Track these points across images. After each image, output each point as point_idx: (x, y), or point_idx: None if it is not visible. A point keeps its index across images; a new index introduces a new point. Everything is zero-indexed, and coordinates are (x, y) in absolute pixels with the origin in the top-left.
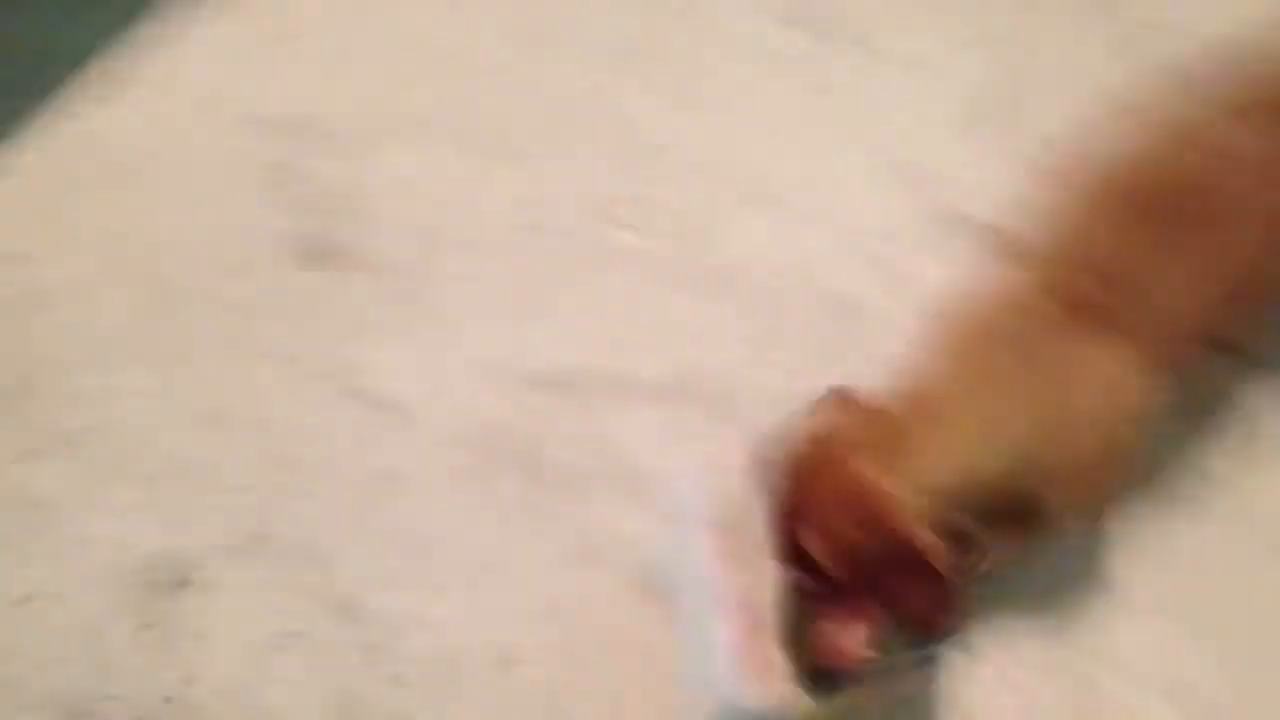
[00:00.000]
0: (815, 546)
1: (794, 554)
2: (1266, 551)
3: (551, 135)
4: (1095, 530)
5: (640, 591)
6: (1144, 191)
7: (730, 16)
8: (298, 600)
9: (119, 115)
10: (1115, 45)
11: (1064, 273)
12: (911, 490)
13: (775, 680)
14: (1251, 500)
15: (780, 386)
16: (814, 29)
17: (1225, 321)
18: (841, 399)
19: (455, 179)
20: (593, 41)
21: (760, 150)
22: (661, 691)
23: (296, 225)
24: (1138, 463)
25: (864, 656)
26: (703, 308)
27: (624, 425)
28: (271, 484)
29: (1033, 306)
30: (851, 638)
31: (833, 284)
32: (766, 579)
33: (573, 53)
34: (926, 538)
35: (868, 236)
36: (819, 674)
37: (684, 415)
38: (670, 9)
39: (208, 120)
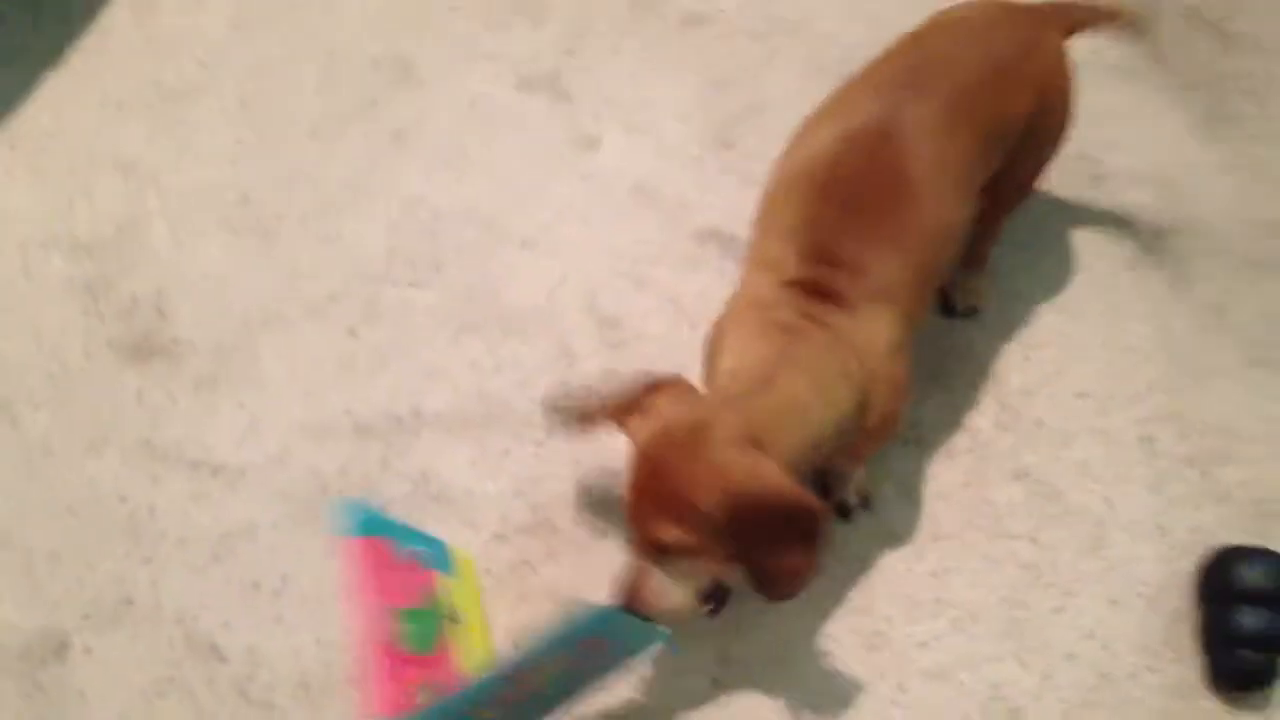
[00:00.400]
0: (687, 525)
1: (647, 535)
2: None
3: (338, 213)
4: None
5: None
6: (838, 187)
7: (473, 85)
8: (169, 650)
9: None
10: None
11: (797, 266)
12: (776, 462)
13: None
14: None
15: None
16: (551, 89)
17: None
18: (673, 387)
19: (253, 265)
20: (366, 126)
21: (532, 201)
22: None
23: (114, 330)
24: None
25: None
26: (496, 346)
27: (442, 457)
28: (129, 555)
29: (784, 300)
30: (670, 595)
31: (610, 309)
32: None
33: (348, 136)
34: (814, 501)
35: (635, 262)
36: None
37: (494, 441)
38: (422, 86)
39: (22, 247)
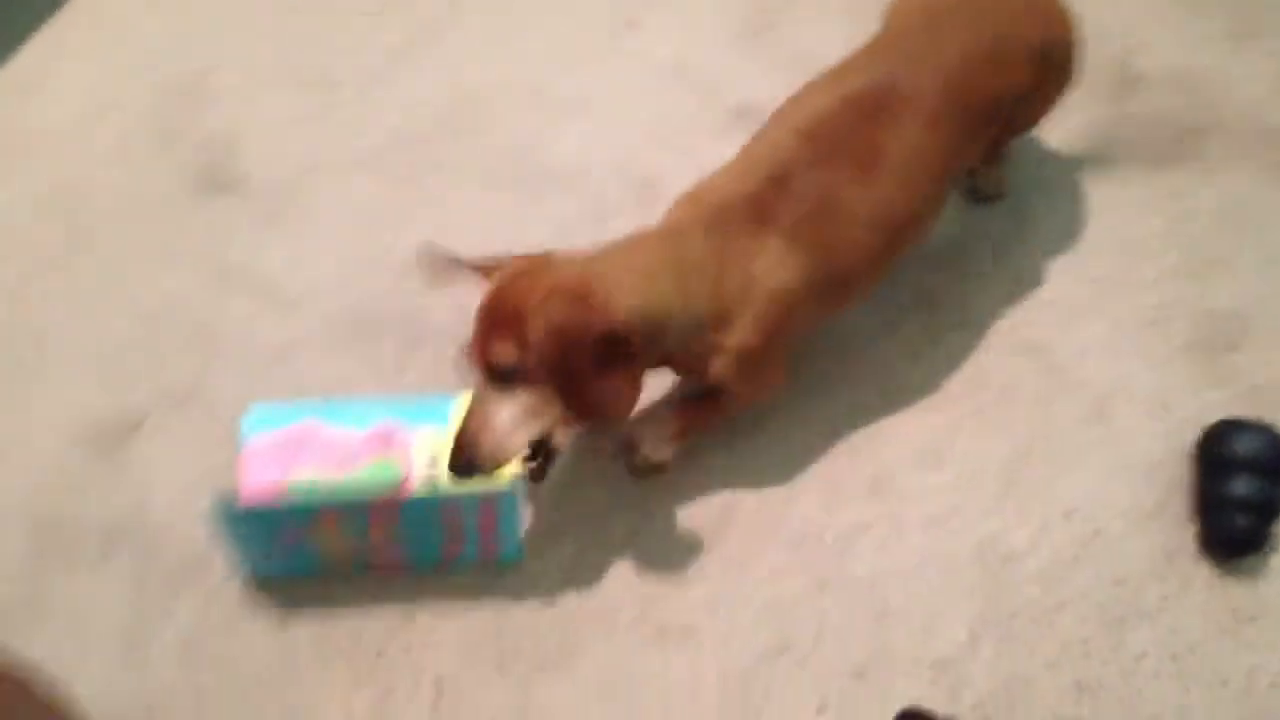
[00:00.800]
0: (516, 345)
1: (483, 358)
2: None
3: (393, 76)
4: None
5: None
6: (821, 136)
7: None
8: (227, 438)
9: (30, 108)
10: None
11: (760, 185)
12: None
13: None
14: None
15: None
16: None
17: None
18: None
19: (314, 118)
20: None
21: (576, 72)
22: None
23: (190, 163)
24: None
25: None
26: (536, 201)
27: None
28: (196, 358)
29: (734, 208)
30: (501, 430)
31: (643, 171)
32: None
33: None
34: (624, 326)
35: (669, 132)
36: (460, 465)
37: None
38: None
39: (111, 84)
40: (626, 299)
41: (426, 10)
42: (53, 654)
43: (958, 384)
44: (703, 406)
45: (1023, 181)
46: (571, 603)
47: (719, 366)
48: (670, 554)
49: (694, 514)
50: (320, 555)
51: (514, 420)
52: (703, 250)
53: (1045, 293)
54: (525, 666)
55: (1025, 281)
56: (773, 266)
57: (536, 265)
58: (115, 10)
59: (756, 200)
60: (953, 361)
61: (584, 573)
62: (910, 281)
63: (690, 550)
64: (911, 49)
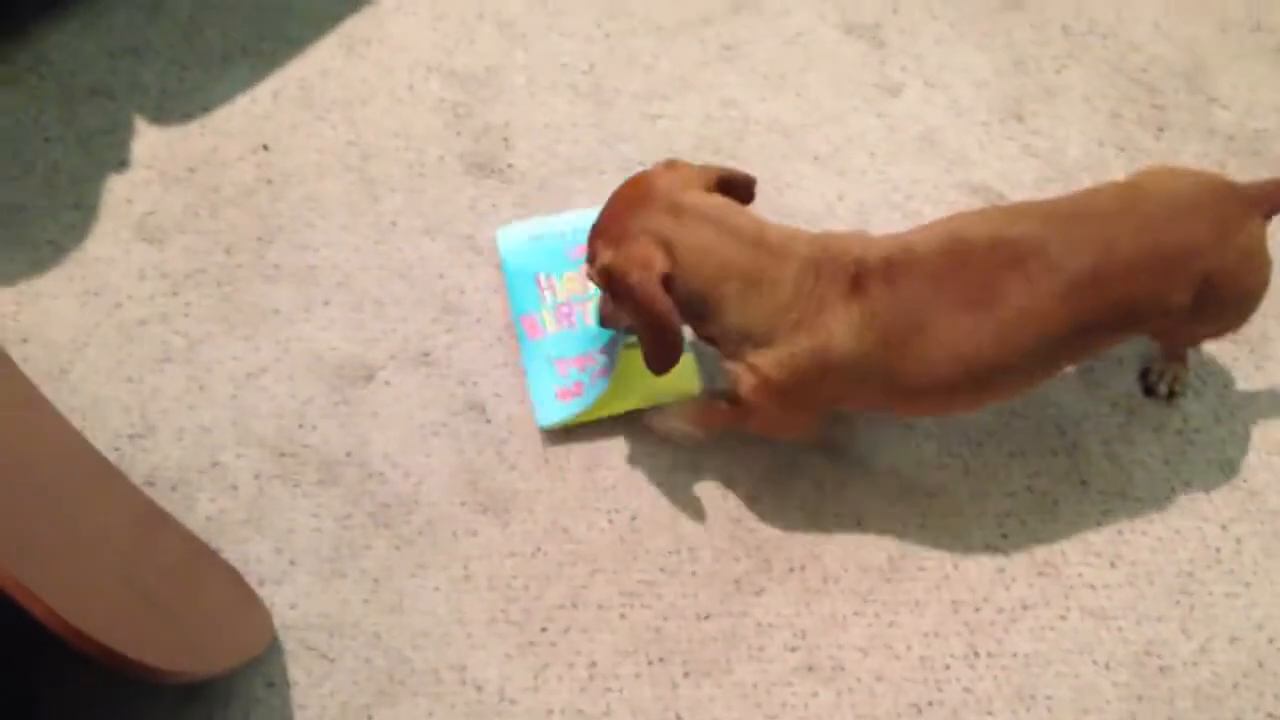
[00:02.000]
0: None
1: (590, 253)
2: None
3: (662, 98)
4: None
5: None
6: (954, 257)
7: (802, 21)
8: (449, 401)
9: (350, 65)
10: (1109, 71)
11: (876, 263)
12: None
13: None
14: None
15: None
16: (869, 38)
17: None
18: (670, 161)
19: (585, 123)
20: (703, 34)
21: (831, 125)
22: None
23: (465, 146)
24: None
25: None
26: None
27: None
28: (436, 320)
29: (842, 265)
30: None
31: (876, 228)
32: None
33: (685, 39)
34: (671, 320)
35: (908, 197)
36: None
37: None
38: (758, 14)
39: (411, 68)
40: (686, 277)
41: (710, 44)
42: (259, 562)
43: (1145, 487)
44: (722, 408)
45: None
46: (730, 620)
47: (744, 379)
48: (835, 591)
49: (866, 558)
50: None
51: (605, 301)
52: (790, 279)
53: (1252, 411)
54: (676, 669)
55: (1232, 400)
56: (836, 326)
57: (650, 178)
58: None
59: (864, 272)
60: (1144, 463)
61: (746, 596)
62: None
63: (854, 592)
64: (1088, 221)
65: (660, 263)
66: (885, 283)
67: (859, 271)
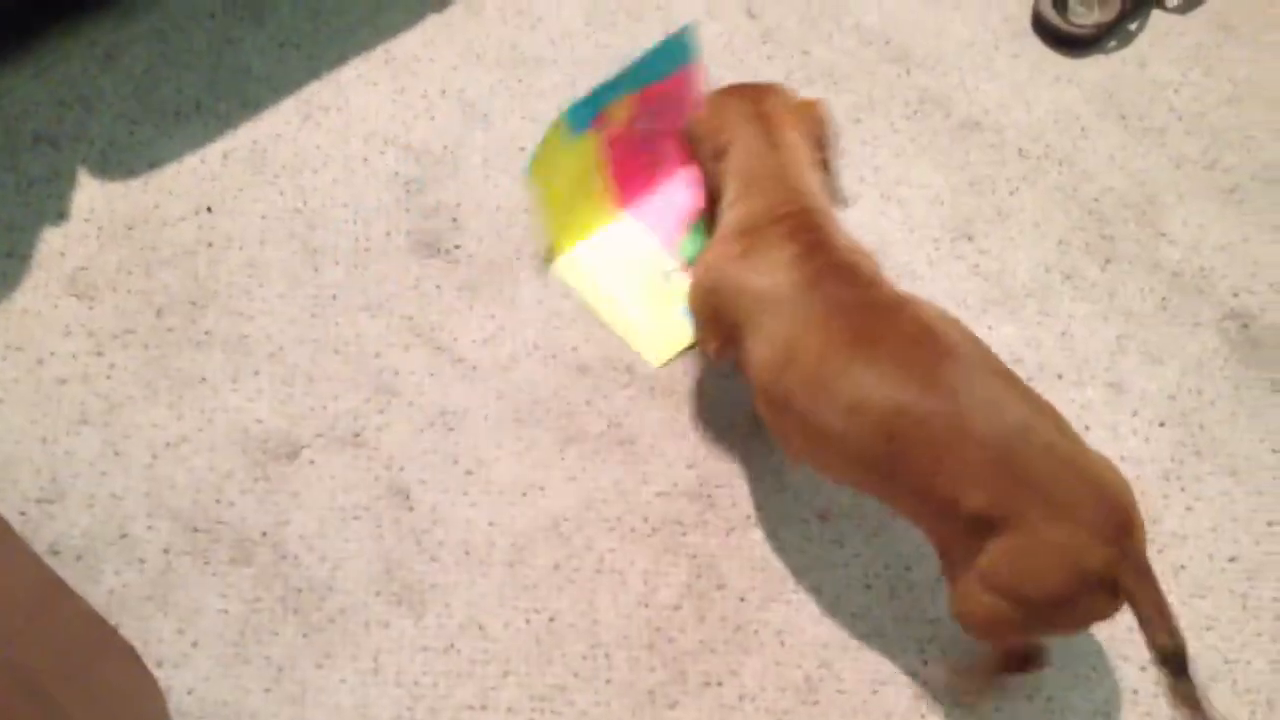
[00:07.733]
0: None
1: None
2: None
3: None
4: None
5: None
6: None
7: None
8: (372, 485)
9: (305, 132)
10: (1061, 198)
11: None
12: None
13: None
14: None
15: None
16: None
17: None
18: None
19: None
20: None
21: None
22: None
23: (414, 223)
24: None
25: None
26: None
27: (646, 413)
28: (368, 401)
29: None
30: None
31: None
32: None
33: None
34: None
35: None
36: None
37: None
38: None
39: (368, 138)
40: (728, 161)
41: None
42: (160, 642)
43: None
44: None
45: None
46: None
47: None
48: (750, 710)
49: (785, 676)
50: None
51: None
52: (770, 213)
53: None
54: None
55: None
56: (764, 266)
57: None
58: (407, 64)
59: (829, 261)
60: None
61: (660, 708)
62: None
63: (770, 711)
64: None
65: (722, 141)
66: (834, 279)
67: (827, 261)
